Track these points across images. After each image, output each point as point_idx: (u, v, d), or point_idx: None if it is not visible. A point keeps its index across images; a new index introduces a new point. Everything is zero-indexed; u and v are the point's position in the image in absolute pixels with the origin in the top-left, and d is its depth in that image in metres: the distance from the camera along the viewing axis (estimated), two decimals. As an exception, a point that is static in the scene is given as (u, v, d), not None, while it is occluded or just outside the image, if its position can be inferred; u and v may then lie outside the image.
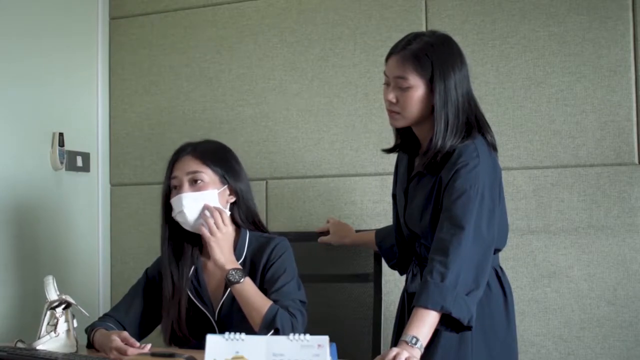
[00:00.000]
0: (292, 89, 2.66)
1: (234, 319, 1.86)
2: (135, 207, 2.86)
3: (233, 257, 1.85)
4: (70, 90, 2.73)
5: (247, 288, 1.79)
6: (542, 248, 2.31)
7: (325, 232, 2.27)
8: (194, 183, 1.88)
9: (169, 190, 1.92)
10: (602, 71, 2.27)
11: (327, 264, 2.30)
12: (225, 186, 1.92)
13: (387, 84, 1.79)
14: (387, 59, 1.79)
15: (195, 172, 1.88)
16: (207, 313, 1.90)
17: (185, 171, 1.89)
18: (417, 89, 1.72)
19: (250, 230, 1.96)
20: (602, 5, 2.27)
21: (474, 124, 1.75)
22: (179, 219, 1.88)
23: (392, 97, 1.76)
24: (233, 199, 1.93)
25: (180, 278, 1.91)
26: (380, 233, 2.14)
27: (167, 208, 1.92)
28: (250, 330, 1.73)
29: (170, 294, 1.90)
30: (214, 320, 1.90)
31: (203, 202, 1.86)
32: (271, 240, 1.93)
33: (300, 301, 1.84)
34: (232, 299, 1.87)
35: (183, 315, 1.89)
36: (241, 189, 1.94)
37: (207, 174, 1.89)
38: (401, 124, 1.80)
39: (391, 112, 1.79)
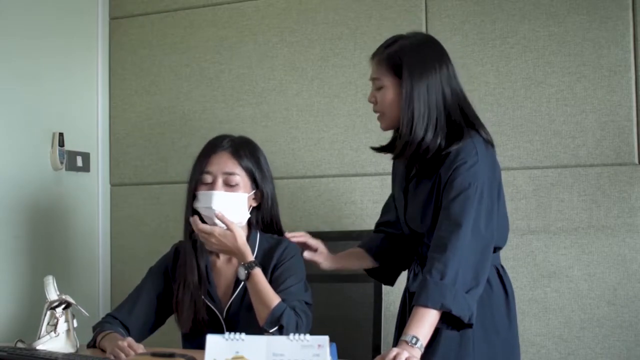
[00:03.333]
0: (292, 89, 2.66)
1: (242, 318, 1.87)
2: (135, 207, 2.86)
3: (242, 251, 1.82)
4: (70, 90, 2.73)
5: (257, 281, 1.79)
6: (542, 248, 2.31)
7: (313, 248, 2.05)
8: (228, 183, 1.87)
9: (198, 181, 1.89)
10: (602, 71, 2.27)
11: (327, 264, 2.30)
12: (254, 191, 1.92)
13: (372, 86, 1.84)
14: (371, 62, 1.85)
15: (232, 173, 1.87)
16: (216, 311, 1.90)
17: (221, 170, 1.87)
18: (389, 89, 1.77)
19: (262, 231, 1.97)
20: (602, 5, 2.27)
21: (459, 122, 1.74)
22: (204, 213, 1.86)
23: (370, 97, 1.83)
24: (256, 204, 1.94)
25: (200, 269, 1.93)
26: (367, 244, 2.05)
27: (191, 196, 1.90)
28: (258, 330, 1.73)
29: (197, 282, 1.90)
30: (223, 319, 1.90)
31: (233, 203, 1.85)
32: (282, 242, 1.94)
33: (306, 302, 1.84)
34: (242, 298, 1.88)
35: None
36: (267, 193, 1.93)
37: (242, 177, 1.89)
38: (385, 126, 1.84)
39: (378, 116, 1.83)
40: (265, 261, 1.90)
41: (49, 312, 1.80)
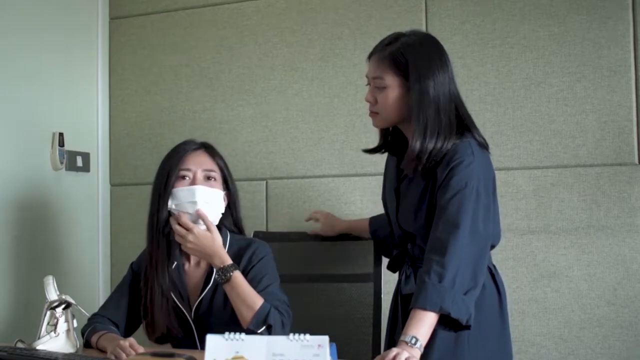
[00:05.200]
0: (292, 89, 2.66)
1: (212, 317, 1.87)
2: (135, 207, 2.86)
3: (220, 254, 1.82)
4: (70, 90, 2.73)
5: (238, 283, 1.79)
6: (542, 248, 2.31)
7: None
8: (208, 179, 1.90)
9: (176, 178, 1.88)
10: (602, 71, 2.27)
11: (327, 264, 2.30)
12: (226, 191, 1.94)
13: (368, 84, 1.81)
14: (368, 61, 1.81)
15: (211, 170, 1.91)
16: (184, 310, 1.90)
17: (201, 166, 1.90)
18: (394, 89, 1.73)
19: (231, 232, 1.97)
20: (602, 5, 2.28)
21: (453, 125, 1.72)
22: (184, 209, 1.86)
23: (369, 96, 1.79)
24: (225, 203, 1.95)
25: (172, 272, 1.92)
26: (374, 221, 2.16)
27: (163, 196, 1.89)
28: (227, 328, 1.71)
29: (168, 285, 1.89)
30: (191, 318, 1.89)
31: (214, 199, 1.87)
32: (252, 243, 1.94)
33: (285, 302, 1.85)
34: (211, 298, 1.88)
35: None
36: (235, 194, 1.97)
37: (218, 174, 1.92)
38: (380, 124, 1.83)
39: (371, 113, 1.81)
40: (236, 262, 1.89)
41: (49, 312, 1.80)
